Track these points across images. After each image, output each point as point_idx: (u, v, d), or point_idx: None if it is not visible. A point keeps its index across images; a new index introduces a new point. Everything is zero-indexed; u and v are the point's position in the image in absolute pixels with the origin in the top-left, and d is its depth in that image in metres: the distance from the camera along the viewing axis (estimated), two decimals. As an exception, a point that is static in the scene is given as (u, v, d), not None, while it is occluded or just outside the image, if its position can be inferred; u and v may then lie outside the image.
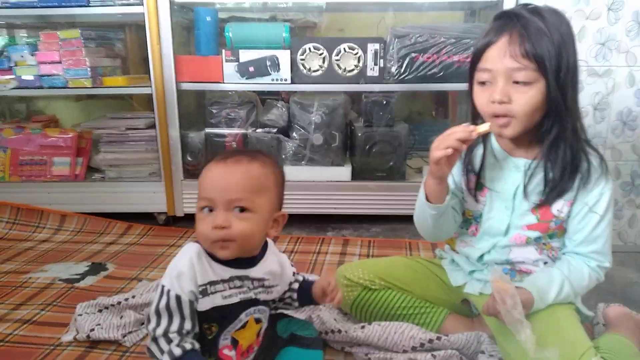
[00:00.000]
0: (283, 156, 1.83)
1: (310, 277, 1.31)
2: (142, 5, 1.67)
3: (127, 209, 1.84)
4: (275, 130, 1.85)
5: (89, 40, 1.80)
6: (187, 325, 0.80)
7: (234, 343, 0.86)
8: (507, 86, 0.86)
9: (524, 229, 0.96)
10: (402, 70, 1.73)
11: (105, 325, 1.09)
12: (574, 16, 1.58)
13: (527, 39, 0.84)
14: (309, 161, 1.83)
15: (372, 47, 1.72)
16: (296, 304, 0.98)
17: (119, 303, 1.17)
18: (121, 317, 1.13)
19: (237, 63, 1.73)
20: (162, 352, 0.78)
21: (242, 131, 1.84)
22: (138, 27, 1.83)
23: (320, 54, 1.72)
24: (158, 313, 0.79)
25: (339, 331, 1.02)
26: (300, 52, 1.72)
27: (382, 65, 1.73)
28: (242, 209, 0.80)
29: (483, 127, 0.88)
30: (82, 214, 1.80)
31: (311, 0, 1.89)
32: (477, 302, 1.03)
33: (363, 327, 1.02)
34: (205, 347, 0.83)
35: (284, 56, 1.72)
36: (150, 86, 1.74)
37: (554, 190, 0.92)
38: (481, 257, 1.02)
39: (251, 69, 1.73)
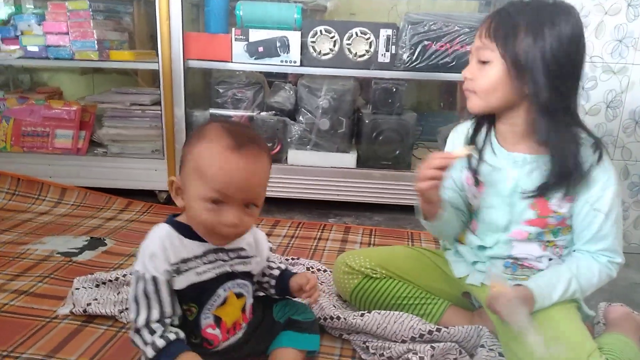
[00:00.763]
0: (288, 140, 1.81)
1: (297, 267, 1.31)
2: (152, -22, 1.64)
3: (128, 185, 1.83)
4: (281, 113, 1.82)
5: (97, 13, 1.78)
6: (167, 310, 0.79)
7: (217, 321, 0.85)
8: (473, 64, 0.91)
9: (523, 225, 0.95)
10: (414, 57, 1.70)
11: (102, 300, 1.08)
12: (593, 10, 1.54)
13: (495, 21, 0.87)
14: (314, 146, 1.80)
15: (384, 33, 1.68)
16: (273, 291, 0.97)
17: (117, 279, 1.16)
18: (118, 293, 1.12)
19: (246, 42, 1.70)
20: (145, 343, 0.78)
21: (248, 113, 1.81)
22: (147, 2, 1.80)
23: (332, 37, 1.69)
24: (137, 301, 0.78)
25: (338, 318, 1.01)
26: (311, 34, 1.69)
27: (393, 51, 1.70)
28: (250, 205, 0.79)
29: (459, 151, 0.91)
30: (83, 188, 1.78)
31: (324, -18, 1.86)
32: (478, 293, 1.02)
33: (362, 314, 1.00)
34: (187, 329, 0.83)
35: (294, 38, 1.69)
36: (157, 62, 1.71)
37: (548, 184, 0.90)
38: (483, 248, 1.01)
39: (260, 49, 1.70)
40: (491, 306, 0.85)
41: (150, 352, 0.77)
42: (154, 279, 0.78)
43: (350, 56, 1.71)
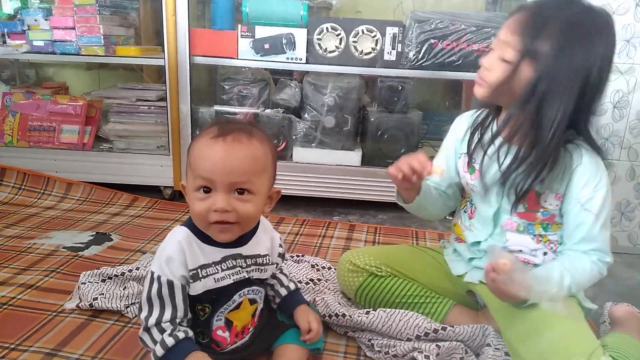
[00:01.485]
0: (293, 137, 1.81)
1: (301, 264, 1.30)
2: (159, -26, 1.64)
3: (133, 181, 1.83)
4: (286, 110, 1.82)
5: (103, 8, 1.78)
6: (180, 312, 0.79)
7: (228, 324, 0.86)
8: (494, 55, 0.89)
9: (513, 215, 0.96)
10: (420, 56, 1.69)
11: (109, 295, 1.09)
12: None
13: (533, 21, 0.84)
14: (319, 144, 1.80)
15: (390, 31, 1.68)
16: (275, 306, 0.96)
17: (123, 274, 1.17)
18: (124, 288, 1.13)
19: (252, 39, 1.70)
20: (154, 342, 0.78)
21: (253, 110, 1.81)
22: (153, -3, 1.80)
23: (338, 35, 1.69)
24: (150, 301, 0.78)
25: (343, 315, 1.01)
26: (317, 31, 1.69)
27: (399, 49, 1.70)
28: (242, 191, 0.77)
29: (437, 170, 0.91)
30: (88, 184, 1.79)
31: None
32: (479, 291, 1.02)
33: (368, 312, 1.00)
34: (198, 328, 0.83)
35: (300, 35, 1.69)
36: (163, 58, 1.71)
37: (511, 168, 0.90)
38: (477, 243, 1.01)
39: (266, 46, 1.70)
40: (490, 277, 0.85)
41: (159, 351, 0.77)
42: (170, 283, 0.78)
43: (356, 54, 1.71)
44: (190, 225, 0.82)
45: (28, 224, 1.53)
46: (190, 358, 0.77)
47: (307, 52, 1.71)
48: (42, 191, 1.75)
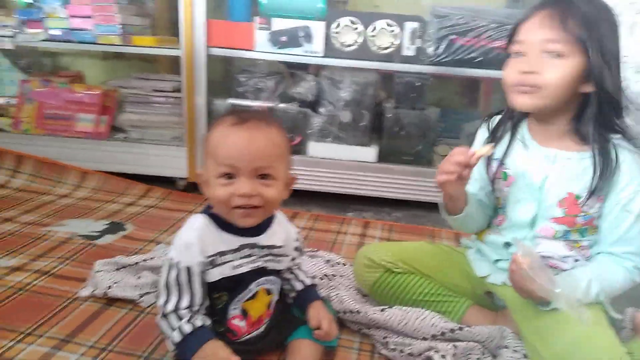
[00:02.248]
0: (309, 131, 1.79)
1: (315, 259, 1.29)
2: (177, -35, 1.63)
3: (148, 172, 1.83)
4: (302, 104, 1.81)
5: (121, -3, 1.77)
6: (197, 299, 0.80)
7: (244, 313, 0.86)
8: (538, 57, 0.85)
9: (550, 222, 0.93)
10: (440, 52, 1.67)
11: (123, 283, 1.09)
12: (625, 10, 1.50)
13: (569, 13, 0.83)
14: (334, 139, 1.79)
15: (410, 26, 1.66)
16: (290, 300, 0.96)
17: (137, 263, 1.17)
18: (139, 278, 1.13)
19: (269, 31, 1.69)
20: (172, 329, 0.78)
21: (269, 103, 1.80)
22: (171, -13, 1.79)
23: (355, 29, 1.67)
24: (168, 287, 0.79)
25: (358, 312, 1.00)
26: (334, 25, 1.67)
27: (418, 45, 1.67)
28: (265, 176, 0.78)
29: (483, 150, 0.88)
30: (103, 173, 1.79)
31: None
32: (500, 293, 1.00)
33: (383, 309, 0.99)
34: (214, 317, 0.83)
35: (318, 28, 1.67)
36: (180, 49, 1.70)
37: (596, 186, 0.87)
38: (507, 245, 0.99)
39: (283, 38, 1.69)
40: (514, 275, 0.85)
41: (177, 337, 0.77)
42: (188, 269, 0.79)
43: (374, 48, 1.69)
44: (208, 212, 0.83)
45: (43, 211, 1.53)
46: (207, 346, 0.77)
47: (324, 46, 1.69)
48: (57, 179, 1.75)
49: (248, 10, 1.80)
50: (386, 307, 1.01)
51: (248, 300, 0.85)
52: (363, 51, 1.69)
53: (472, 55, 1.67)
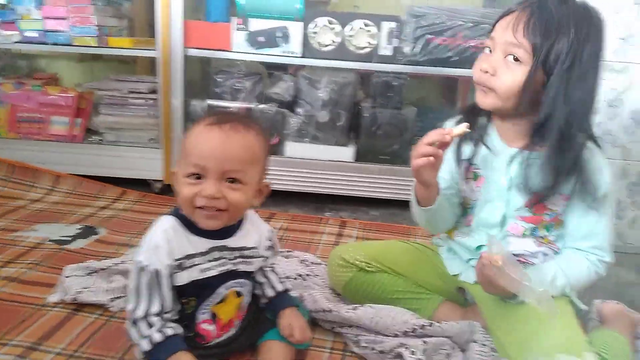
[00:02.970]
0: (286, 132, 1.79)
1: (290, 259, 1.29)
2: (152, -35, 1.62)
3: (123, 174, 1.81)
4: (280, 104, 1.80)
5: (97, -2, 1.75)
6: (167, 304, 0.78)
7: (214, 317, 0.84)
8: (499, 58, 0.86)
9: (518, 220, 0.94)
10: (416, 51, 1.68)
11: (94, 288, 1.07)
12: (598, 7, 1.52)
13: (533, 19, 0.82)
14: (312, 139, 1.79)
15: (387, 26, 1.66)
16: (262, 305, 0.94)
17: (109, 267, 1.15)
18: (110, 282, 1.11)
19: (247, 32, 1.68)
20: (142, 336, 0.77)
21: (247, 104, 1.79)
22: (147, -12, 1.78)
23: (333, 29, 1.67)
24: (137, 292, 0.78)
25: (330, 311, 0.99)
26: (312, 25, 1.67)
27: (395, 44, 1.68)
28: (233, 180, 0.77)
29: (459, 129, 0.87)
30: (77, 176, 1.76)
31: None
32: (471, 290, 1.01)
33: (355, 308, 0.99)
34: (183, 322, 0.82)
35: (295, 28, 1.67)
36: (156, 50, 1.69)
37: (549, 186, 0.88)
38: (479, 247, 0.99)
39: (261, 39, 1.68)
40: (485, 270, 0.84)
41: (145, 345, 0.76)
42: (157, 272, 0.77)
43: (352, 48, 1.69)
44: (177, 214, 0.82)
45: (14, 216, 1.50)
46: (175, 356, 0.75)
47: (302, 46, 1.69)
48: (30, 183, 1.72)
49: (226, 10, 1.79)
50: (358, 305, 1.00)
51: (217, 304, 0.84)
52: (341, 51, 1.69)
53: (449, 54, 1.69)
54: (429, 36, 1.67)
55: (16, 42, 1.78)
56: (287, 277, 1.15)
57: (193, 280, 0.80)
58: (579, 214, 0.90)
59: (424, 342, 0.91)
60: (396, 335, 0.95)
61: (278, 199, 1.78)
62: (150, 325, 0.77)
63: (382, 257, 1.06)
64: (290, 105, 1.81)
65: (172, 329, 0.78)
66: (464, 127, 0.87)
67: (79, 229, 1.44)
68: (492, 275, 0.83)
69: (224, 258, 0.83)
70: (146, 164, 1.79)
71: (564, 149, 0.86)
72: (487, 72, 0.87)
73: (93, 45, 1.75)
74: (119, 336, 0.94)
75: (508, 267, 0.81)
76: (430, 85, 2.24)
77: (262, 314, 0.94)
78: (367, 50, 1.69)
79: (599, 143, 0.90)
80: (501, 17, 0.88)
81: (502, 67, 0.85)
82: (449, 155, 1.02)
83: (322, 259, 1.30)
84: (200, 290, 0.82)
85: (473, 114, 0.97)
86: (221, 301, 0.84)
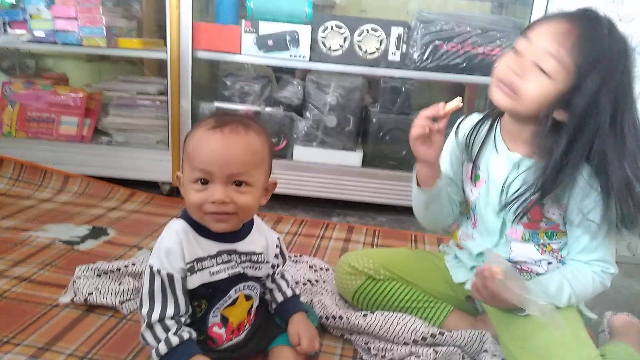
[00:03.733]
0: (294, 135, 1.79)
1: (299, 264, 1.29)
2: (163, -33, 1.62)
3: (132, 176, 1.81)
4: (288, 108, 1.81)
5: (106, -1, 1.76)
6: (182, 307, 0.79)
7: (224, 320, 0.85)
8: (530, 64, 0.82)
9: (517, 224, 0.94)
10: (425, 57, 1.68)
11: (104, 290, 1.07)
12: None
13: (584, 40, 0.79)
14: (320, 143, 1.79)
15: (395, 31, 1.67)
16: (272, 310, 0.96)
17: (119, 269, 1.16)
18: (120, 284, 1.12)
19: (256, 35, 1.68)
20: (158, 340, 0.77)
21: (255, 107, 1.79)
22: (157, -10, 1.79)
23: (342, 33, 1.68)
24: (152, 296, 0.78)
25: (340, 317, 1.00)
26: (321, 29, 1.67)
27: (404, 50, 1.69)
28: (240, 183, 0.78)
29: (452, 104, 0.87)
30: (86, 177, 1.77)
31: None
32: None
33: (365, 315, 1.00)
34: (194, 325, 0.82)
35: (304, 32, 1.67)
36: (165, 51, 1.70)
37: (538, 192, 0.87)
38: (480, 254, 1.00)
39: (270, 42, 1.69)
40: (480, 284, 0.85)
41: (163, 349, 0.76)
42: (170, 276, 0.78)
43: (360, 53, 1.69)
44: (187, 217, 0.82)
45: (24, 216, 1.51)
46: None
47: (310, 50, 1.69)
48: (39, 183, 1.73)
49: (235, 13, 1.79)
50: (368, 312, 1.01)
51: (228, 306, 0.85)
52: (349, 56, 1.69)
53: (457, 60, 1.69)
54: (438, 42, 1.68)
55: (26, 42, 1.79)
56: (297, 283, 1.16)
57: (203, 283, 0.81)
58: (577, 227, 0.90)
59: (435, 351, 0.91)
60: (406, 344, 0.95)
61: (285, 203, 1.79)
62: (166, 329, 0.77)
63: (391, 265, 1.07)
64: (298, 109, 1.82)
65: (188, 334, 0.79)
66: (457, 102, 0.87)
67: (89, 229, 1.44)
68: (494, 288, 0.83)
69: (233, 261, 0.84)
70: (155, 165, 1.79)
71: (565, 165, 0.84)
72: (515, 72, 0.83)
73: (102, 45, 1.76)
74: (130, 338, 0.95)
75: (509, 280, 0.81)
76: (438, 91, 2.25)
77: (272, 319, 0.94)
78: (376, 55, 1.70)
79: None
80: (544, 21, 0.84)
81: (532, 73, 0.82)
82: (452, 147, 1.03)
83: (329, 264, 1.30)
84: (210, 293, 0.83)
85: (484, 119, 0.98)
86: (231, 304, 0.85)
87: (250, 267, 0.86)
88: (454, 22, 1.67)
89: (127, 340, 0.95)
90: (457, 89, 2.20)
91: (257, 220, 0.90)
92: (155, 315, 0.78)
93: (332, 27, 1.67)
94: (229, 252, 0.83)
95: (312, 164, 1.77)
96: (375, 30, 1.67)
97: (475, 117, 1.03)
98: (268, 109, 1.79)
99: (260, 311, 0.93)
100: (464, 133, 1.02)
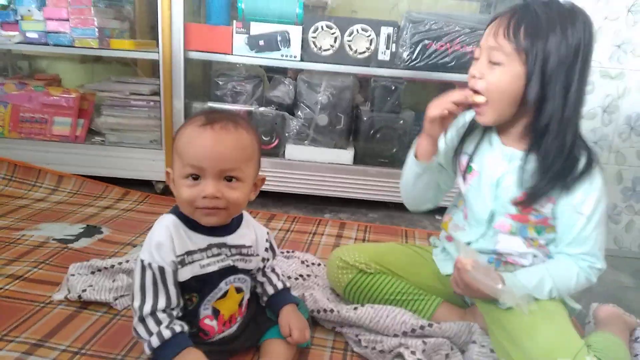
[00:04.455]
0: (286, 134, 1.81)
1: (291, 260, 1.31)
2: (155, -32, 1.64)
3: (125, 175, 1.82)
4: (279, 107, 1.82)
5: (98, 0, 1.77)
6: (173, 300, 0.80)
7: (215, 313, 0.86)
8: (484, 64, 0.88)
9: (506, 217, 0.96)
10: (414, 56, 1.71)
11: (98, 287, 1.08)
12: (592, 15, 1.55)
13: (514, 21, 0.85)
14: (311, 141, 1.81)
15: (385, 31, 1.69)
16: (263, 304, 0.97)
17: (112, 266, 1.17)
18: (113, 281, 1.13)
19: (247, 35, 1.70)
20: (150, 333, 0.78)
21: (247, 107, 1.81)
22: (149, -9, 1.80)
23: (332, 34, 1.70)
24: (143, 289, 0.79)
25: (331, 310, 1.01)
26: (312, 29, 1.69)
27: (393, 49, 1.71)
28: (231, 178, 0.79)
29: (480, 98, 0.90)
30: (80, 176, 1.78)
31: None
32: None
33: (356, 308, 1.01)
34: (185, 318, 0.83)
35: (295, 32, 1.69)
36: (158, 52, 1.71)
37: (537, 188, 0.90)
38: (468, 243, 1.01)
39: (261, 42, 1.71)
40: (457, 277, 0.88)
41: (155, 342, 0.77)
42: (161, 269, 0.79)
43: (351, 53, 1.71)
44: (177, 212, 0.84)
45: (18, 215, 1.52)
46: (184, 353, 0.77)
47: (301, 50, 1.71)
48: (33, 183, 1.74)
49: (226, 14, 1.81)
50: (359, 305, 1.03)
51: (219, 299, 0.86)
52: (339, 55, 1.71)
53: (446, 59, 1.71)
54: (427, 41, 1.70)
55: (18, 43, 1.79)
56: (288, 277, 1.18)
57: (194, 276, 0.82)
58: (567, 220, 0.91)
59: (424, 342, 0.93)
60: (396, 335, 0.97)
61: (278, 200, 1.80)
62: (158, 322, 0.79)
63: (382, 259, 1.09)
64: (290, 108, 1.83)
65: (180, 327, 0.80)
66: (483, 99, 0.89)
67: (83, 228, 1.45)
68: (468, 280, 0.86)
69: (223, 254, 0.85)
70: (148, 164, 1.81)
71: (553, 150, 0.87)
72: (475, 77, 0.89)
73: (94, 46, 1.77)
74: (123, 334, 0.96)
75: (478, 271, 0.84)
76: (428, 90, 2.27)
77: (264, 312, 0.96)
78: (366, 54, 1.72)
79: (589, 145, 0.91)
80: (487, 25, 0.91)
81: (489, 70, 0.87)
82: (451, 135, 1.05)
83: (321, 259, 1.32)
84: (201, 286, 0.84)
85: None
86: (222, 297, 0.86)
87: (240, 260, 0.88)
88: (443, 22, 1.69)
89: (121, 335, 0.96)
90: (447, 88, 2.22)
91: (246, 215, 0.92)
92: (147, 309, 0.79)
93: (322, 27, 1.69)
94: (219, 246, 0.85)
95: (304, 162, 1.79)
96: (366, 30, 1.69)
97: (472, 112, 1.04)
98: (260, 108, 1.81)
99: (252, 304, 0.95)
100: (462, 125, 1.04)
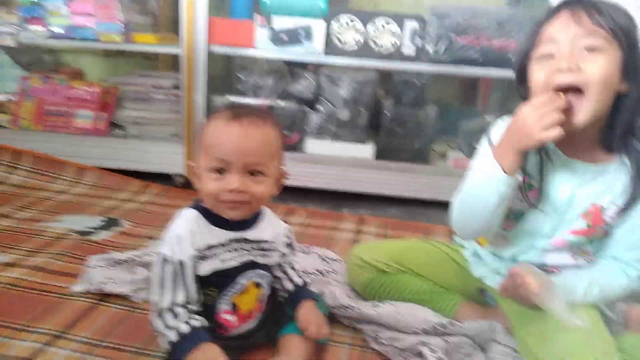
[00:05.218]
0: (307, 129, 1.79)
1: (310, 255, 1.29)
2: (178, -38, 1.63)
3: (146, 168, 1.83)
4: (301, 101, 1.81)
5: (124, -6, 1.78)
6: (192, 295, 0.80)
7: (234, 308, 0.86)
8: (573, 54, 0.78)
9: (569, 234, 0.90)
10: (440, 50, 1.66)
11: (117, 279, 1.09)
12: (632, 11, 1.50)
13: (594, 10, 0.77)
14: (333, 136, 1.79)
15: (410, 25, 1.66)
16: (281, 299, 0.96)
17: (132, 259, 1.17)
18: (133, 274, 1.13)
19: (270, 29, 1.69)
20: (168, 328, 0.78)
21: (268, 101, 1.80)
22: (172, -15, 1.80)
23: (356, 28, 1.67)
24: (162, 283, 0.79)
25: (350, 307, 1.00)
26: (335, 23, 1.67)
27: (418, 44, 1.67)
28: (255, 172, 0.79)
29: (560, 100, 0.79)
30: (101, 169, 1.79)
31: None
32: (495, 293, 0.99)
33: (376, 305, 0.99)
34: (204, 313, 0.83)
35: (318, 26, 1.67)
36: (180, 47, 1.71)
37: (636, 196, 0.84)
38: (513, 259, 0.96)
39: (284, 36, 1.69)
40: (511, 287, 0.83)
41: (173, 336, 0.77)
42: (181, 263, 0.79)
43: (375, 47, 1.68)
44: (198, 206, 0.84)
45: (40, 207, 1.53)
46: (201, 348, 0.77)
47: (325, 44, 1.69)
48: (55, 175, 1.76)
49: (249, 8, 1.80)
50: (379, 302, 1.01)
51: (238, 294, 0.86)
52: (363, 50, 1.69)
53: (472, 54, 1.67)
54: (453, 35, 1.66)
55: (45, 38, 1.81)
56: (306, 273, 1.16)
57: (214, 271, 0.82)
58: (630, 224, 0.86)
59: (445, 340, 0.90)
60: (416, 333, 0.94)
61: (297, 195, 1.79)
62: (176, 316, 0.78)
63: (401, 258, 1.06)
64: (311, 102, 1.81)
65: (198, 321, 0.79)
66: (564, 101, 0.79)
67: (103, 220, 1.46)
68: (522, 296, 0.82)
69: (243, 249, 0.85)
70: (168, 158, 1.81)
71: (634, 155, 0.82)
72: (569, 70, 0.77)
73: (119, 41, 1.78)
74: (142, 327, 0.96)
75: (544, 294, 0.79)
76: (451, 85, 2.23)
77: (282, 308, 0.95)
78: (390, 49, 1.68)
79: None
80: (546, 23, 0.82)
81: (584, 61, 0.77)
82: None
83: (340, 255, 1.30)
84: (221, 280, 0.84)
85: None
86: (241, 292, 0.86)
87: (260, 255, 0.87)
88: (469, 15, 1.65)
89: (139, 328, 0.96)
90: (471, 82, 2.18)
91: (266, 210, 0.91)
92: (165, 303, 0.79)
93: (346, 22, 1.66)
94: (239, 240, 0.85)
95: (324, 156, 1.77)
96: (390, 24, 1.66)
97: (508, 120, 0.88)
98: (281, 102, 1.80)
99: (271, 300, 0.94)
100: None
